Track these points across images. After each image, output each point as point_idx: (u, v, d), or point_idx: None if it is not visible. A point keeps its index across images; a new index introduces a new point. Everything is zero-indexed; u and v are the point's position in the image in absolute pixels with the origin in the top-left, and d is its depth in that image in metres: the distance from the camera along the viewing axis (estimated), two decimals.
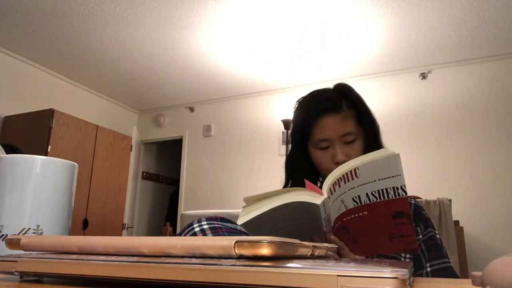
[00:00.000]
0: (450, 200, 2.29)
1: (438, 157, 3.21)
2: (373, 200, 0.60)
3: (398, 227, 0.60)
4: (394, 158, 0.58)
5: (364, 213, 0.61)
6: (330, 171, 0.81)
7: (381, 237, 0.62)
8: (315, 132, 0.82)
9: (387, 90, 3.48)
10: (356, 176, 0.59)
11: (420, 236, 0.77)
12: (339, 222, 0.61)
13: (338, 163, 0.79)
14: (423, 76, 3.43)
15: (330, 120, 0.81)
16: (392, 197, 0.59)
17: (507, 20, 2.72)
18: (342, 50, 3.19)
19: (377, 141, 0.85)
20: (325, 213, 0.58)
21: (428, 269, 0.74)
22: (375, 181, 0.59)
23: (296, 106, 0.90)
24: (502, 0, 2.50)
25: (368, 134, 0.82)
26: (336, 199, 0.59)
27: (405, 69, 3.47)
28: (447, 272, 0.73)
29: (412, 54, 3.24)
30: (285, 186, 0.90)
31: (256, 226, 0.60)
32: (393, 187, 0.59)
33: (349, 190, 0.59)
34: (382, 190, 0.59)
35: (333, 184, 0.58)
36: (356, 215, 0.61)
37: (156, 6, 2.66)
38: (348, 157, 0.79)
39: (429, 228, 0.78)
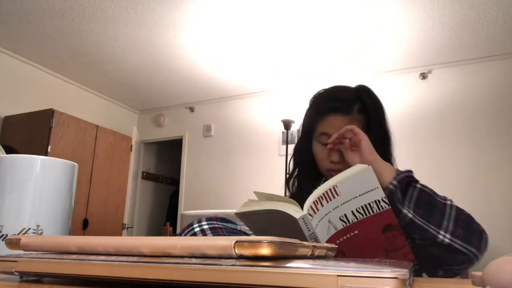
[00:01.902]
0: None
1: (438, 157, 3.21)
2: (360, 218, 0.60)
3: (390, 240, 0.61)
4: (368, 172, 0.59)
5: (355, 232, 0.61)
6: (326, 169, 0.82)
7: (377, 254, 0.62)
8: (320, 125, 0.83)
9: (387, 90, 3.48)
10: (337, 194, 0.59)
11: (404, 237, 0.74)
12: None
13: (332, 162, 0.80)
14: (423, 76, 3.43)
15: (337, 119, 0.81)
16: (376, 211, 0.60)
17: (507, 20, 2.71)
18: (342, 51, 3.19)
19: (385, 152, 0.82)
20: (309, 230, 0.58)
21: (447, 232, 0.67)
22: (356, 197, 0.59)
23: (313, 97, 0.90)
24: (502, 0, 2.50)
25: (374, 143, 0.78)
26: (322, 218, 0.59)
27: (405, 69, 3.47)
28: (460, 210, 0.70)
29: (412, 54, 3.24)
30: (290, 176, 0.90)
31: (255, 222, 0.61)
32: (375, 201, 0.59)
33: (333, 209, 0.59)
34: (365, 205, 0.60)
35: (314, 203, 0.58)
36: (348, 235, 0.61)
37: (156, 6, 2.66)
38: (344, 160, 0.78)
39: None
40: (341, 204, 0.59)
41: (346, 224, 0.60)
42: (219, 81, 3.85)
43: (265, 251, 0.26)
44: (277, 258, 0.28)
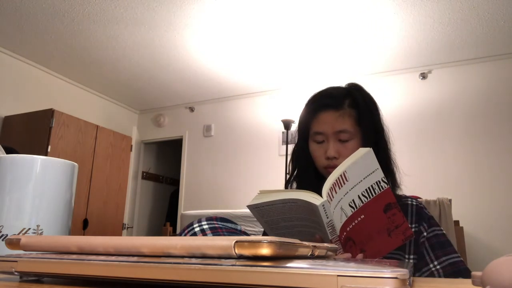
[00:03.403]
0: (450, 200, 2.29)
1: (438, 157, 3.21)
2: (365, 201, 0.63)
3: (391, 219, 0.64)
4: (369, 154, 0.63)
5: (362, 217, 0.63)
6: (322, 166, 0.83)
7: (381, 236, 0.64)
8: (313, 125, 0.84)
9: (387, 90, 3.48)
10: (346, 180, 0.62)
11: (425, 234, 0.76)
12: (344, 233, 0.63)
13: (328, 159, 0.81)
14: (423, 76, 3.43)
15: (328, 115, 0.82)
16: (377, 192, 0.63)
17: (507, 20, 2.72)
18: (342, 51, 3.19)
19: (377, 145, 0.82)
20: (327, 217, 0.59)
21: (438, 266, 0.73)
22: (361, 180, 0.63)
23: (307, 100, 0.92)
24: (502, 0, 2.50)
25: (365, 136, 0.80)
26: (336, 206, 0.61)
27: (405, 69, 3.47)
28: (457, 266, 0.72)
29: (412, 54, 3.24)
30: (290, 177, 0.91)
31: (267, 214, 0.63)
32: (376, 182, 0.63)
33: (344, 195, 0.62)
34: (368, 188, 0.63)
35: (330, 189, 0.60)
36: (356, 221, 0.63)
37: (156, 6, 2.66)
38: (340, 155, 0.80)
39: (432, 226, 0.78)
40: (350, 190, 0.62)
41: (354, 209, 0.63)
42: (219, 81, 3.85)
43: (265, 251, 0.26)
44: (277, 258, 0.28)
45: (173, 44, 3.17)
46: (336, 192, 0.61)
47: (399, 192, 0.84)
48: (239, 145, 4.11)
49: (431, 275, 0.72)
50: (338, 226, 0.61)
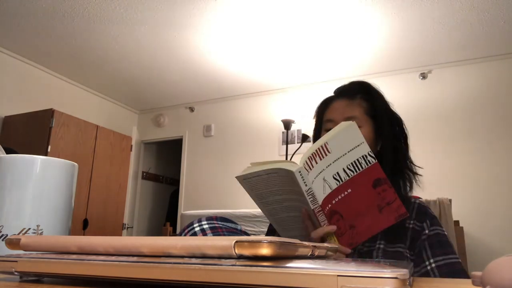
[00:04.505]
0: (450, 200, 2.29)
1: (438, 157, 3.21)
2: (351, 175, 0.64)
3: (381, 195, 0.64)
4: (352, 127, 0.63)
5: (348, 191, 0.64)
6: None
7: (371, 212, 0.64)
8: (326, 113, 0.87)
9: (387, 90, 3.46)
10: (328, 152, 0.63)
11: (426, 231, 0.76)
12: (329, 205, 0.64)
13: None
14: (423, 76, 3.43)
15: (339, 102, 0.86)
16: (364, 166, 0.63)
17: (507, 20, 2.72)
18: (342, 50, 3.19)
19: (397, 134, 0.85)
20: (306, 185, 0.61)
21: (433, 264, 0.72)
22: (345, 154, 0.63)
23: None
24: (502, 0, 2.50)
25: (375, 125, 0.83)
26: (317, 176, 0.62)
27: (405, 69, 3.47)
28: (454, 268, 0.71)
29: (412, 54, 3.24)
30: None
31: (255, 187, 0.64)
32: (362, 156, 0.63)
33: (326, 167, 0.63)
34: (354, 162, 0.63)
35: (308, 159, 0.61)
36: (343, 195, 0.64)
37: (156, 6, 2.66)
38: None
39: (435, 225, 0.78)
40: (333, 162, 0.63)
41: (339, 182, 0.64)
42: (219, 81, 3.85)
43: (265, 251, 0.26)
44: (277, 258, 0.28)
45: (173, 44, 3.17)
46: (316, 163, 0.62)
47: (414, 193, 0.85)
48: (239, 145, 4.11)
49: (426, 273, 0.71)
50: (321, 197, 0.62)
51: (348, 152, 0.63)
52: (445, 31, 2.87)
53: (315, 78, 3.63)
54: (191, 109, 4.48)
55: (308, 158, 0.61)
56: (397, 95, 3.46)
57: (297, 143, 3.61)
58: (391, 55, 3.25)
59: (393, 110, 0.90)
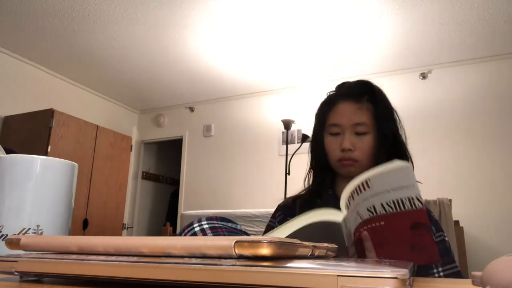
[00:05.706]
0: (450, 200, 2.29)
1: (438, 157, 3.21)
2: (389, 211, 0.58)
3: (417, 238, 0.59)
4: (407, 169, 0.57)
5: (381, 223, 0.59)
6: (336, 159, 0.81)
7: (400, 248, 0.60)
8: (330, 116, 0.83)
9: (387, 90, 3.47)
10: (368, 187, 0.58)
11: (433, 238, 0.76)
12: (357, 234, 0.61)
13: (344, 151, 0.79)
14: (423, 76, 3.43)
15: (346, 106, 0.81)
16: (408, 208, 0.58)
17: (507, 20, 2.71)
18: (342, 50, 3.19)
19: (396, 143, 0.82)
20: (346, 228, 0.58)
21: (442, 273, 0.73)
22: (388, 191, 0.58)
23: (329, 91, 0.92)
24: (502, 0, 2.50)
25: (381, 131, 0.80)
26: (351, 211, 0.59)
27: (405, 69, 3.47)
28: (459, 277, 0.72)
29: (412, 54, 3.24)
30: (310, 168, 0.90)
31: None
32: (408, 198, 0.57)
33: (362, 201, 0.59)
34: (397, 200, 0.58)
35: (348, 199, 0.58)
36: (374, 224, 0.59)
37: (156, 6, 2.66)
38: (355, 148, 0.79)
39: (439, 231, 0.77)
40: (371, 196, 0.58)
41: (373, 215, 0.59)
42: (219, 81, 3.85)
43: (265, 251, 0.26)
44: (277, 258, 0.28)
45: (173, 44, 3.17)
46: (353, 199, 0.58)
47: None
48: (239, 145, 4.11)
49: None
50: (352, 229, 0.59)
51: (392, 190, 0.58)
52: (445, 31, 2.87)
53: (315, 78, 3.63)
54: (191, 109, 4.48)
55: (348, 198, 0.57)
56: (397, 95, 3.46)
57: (297, 143, 3.61)
58: (391, 55, 3.25)
59: (394, 110, 0.87)
